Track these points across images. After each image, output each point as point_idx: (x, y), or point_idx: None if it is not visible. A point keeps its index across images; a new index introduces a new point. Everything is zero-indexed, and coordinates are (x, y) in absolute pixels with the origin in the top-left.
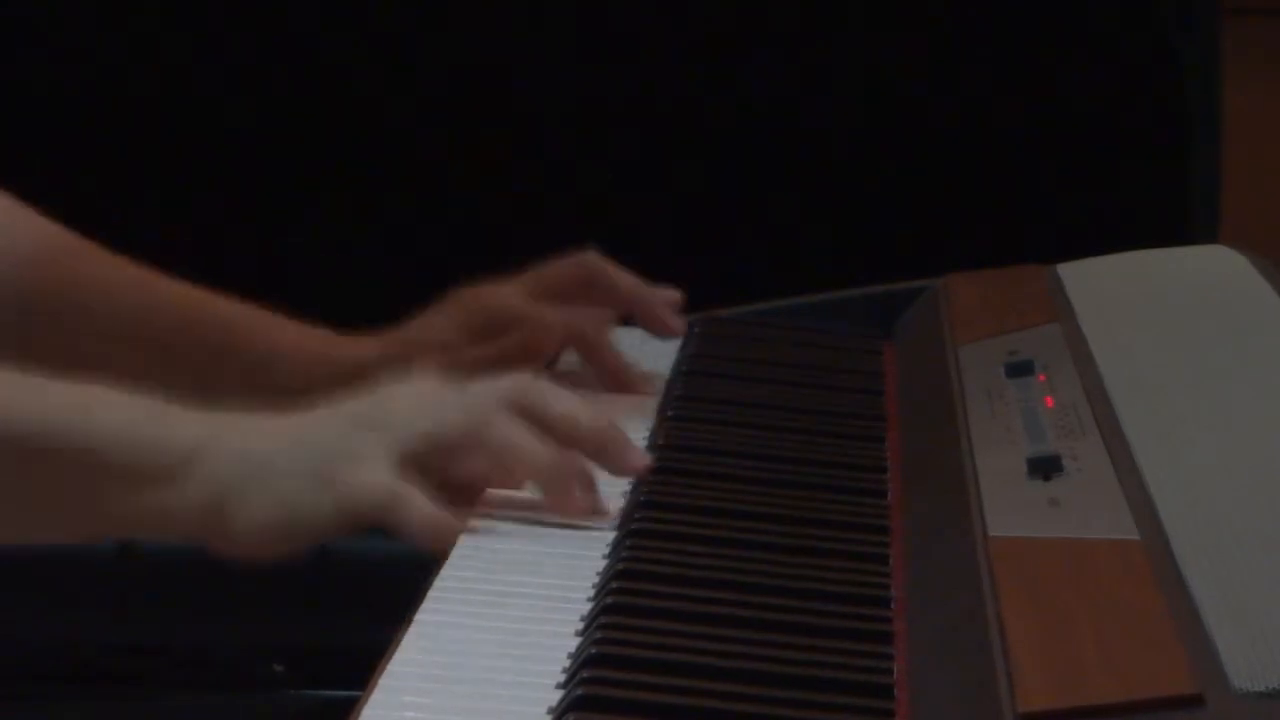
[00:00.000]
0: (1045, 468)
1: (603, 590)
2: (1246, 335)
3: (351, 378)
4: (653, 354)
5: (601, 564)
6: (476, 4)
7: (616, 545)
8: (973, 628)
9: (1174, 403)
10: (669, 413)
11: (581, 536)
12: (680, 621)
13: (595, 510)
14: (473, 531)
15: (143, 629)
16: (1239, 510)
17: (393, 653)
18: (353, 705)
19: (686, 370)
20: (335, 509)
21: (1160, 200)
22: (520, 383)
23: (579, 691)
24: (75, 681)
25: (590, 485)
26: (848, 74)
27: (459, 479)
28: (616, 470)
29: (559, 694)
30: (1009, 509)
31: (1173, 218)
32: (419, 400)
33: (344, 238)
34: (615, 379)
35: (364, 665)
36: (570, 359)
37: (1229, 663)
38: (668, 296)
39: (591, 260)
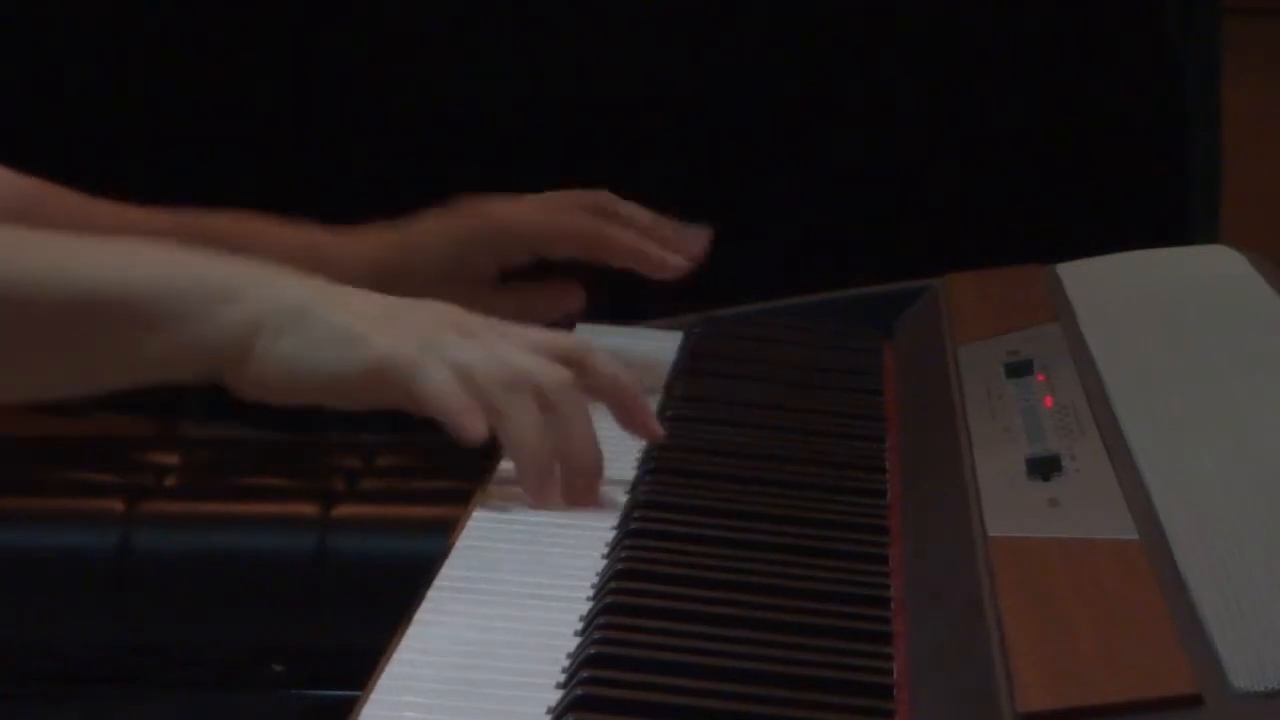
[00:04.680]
0: (1045, 468)
1: (602, 590)
2: (1246, 335)
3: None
4: (652, 354)
5: (601, 564)
6: (477, 5)
7: (616, 545)
8: (973, 628)
9: (1174, 403)
10: (669, 413)
11: (581, 536)
12: (680, 621)
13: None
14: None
15: (143, 629)
16: (1239, 510)
17: (393, 653)
18: (353, 705)
19: (686, 370)
20: (360, 366)
21: (1160, 200)
22: (572, 340)
23: (579, 691)
24: (75, 681)
25: (591, 484)
26: (848, 74)
27: None
28: (635, 429)
29: (559, 694)
30: (1009, 509)
31: (1173, 218)
32: (458, 325)
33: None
34: (653, 241)
35: (364, 665)
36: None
37: (1229, 663)
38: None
39: (605, 195)
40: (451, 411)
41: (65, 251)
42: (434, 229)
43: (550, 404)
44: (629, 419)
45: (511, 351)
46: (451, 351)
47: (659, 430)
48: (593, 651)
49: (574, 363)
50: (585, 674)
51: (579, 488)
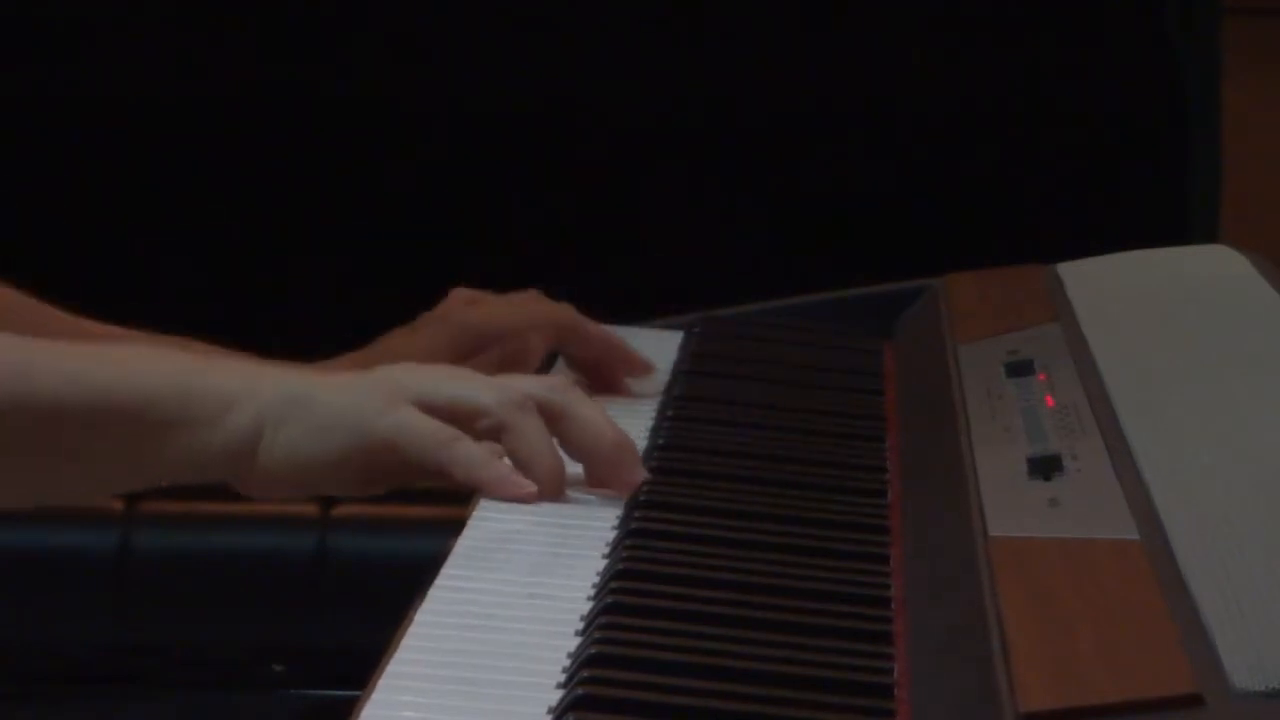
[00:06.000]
0: (1045, 468)
1: (603, 590)
2: (1247, 335)
3: None
4: (653, 354)
5: (601, 564)
6: (458, 9)
7: (616, 545)
8: (973, 628)
9: (1174, 403)
10: (669, 413)
11: (582, 536)
12: (680, 621)
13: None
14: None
15: (143, 629)
16: (1239, 510)
17: (393, 653)
18: (353, 705)
19: (686, 370)
20: (371, 441)
21: (1160, 200)
22: (554, 382)
23: (579, 691)
24: (75, 681)
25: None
26: (848, 74)
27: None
28: (617, 488)
29: (559, 694)
30: (1009, 509)
31: (1173, 218)
32: (449, 372)
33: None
34: (614, 359)
35: (364, 665)
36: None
37: (1229, 663)
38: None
39: (568, 308)
40: (487, 481)
41: (55, 359)
42: (415, 344)
43: (556, 413)
44: (613, 476)
45: (501, 382)
46: (451, 389)
47: (638, 482)
48: (593, 651)
49: (556, 416)
50: (585, 674)
51: (620, 473)
